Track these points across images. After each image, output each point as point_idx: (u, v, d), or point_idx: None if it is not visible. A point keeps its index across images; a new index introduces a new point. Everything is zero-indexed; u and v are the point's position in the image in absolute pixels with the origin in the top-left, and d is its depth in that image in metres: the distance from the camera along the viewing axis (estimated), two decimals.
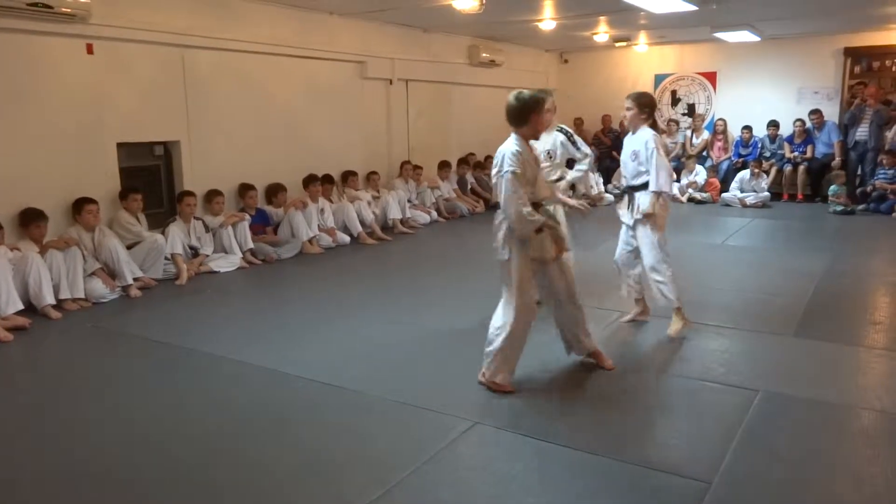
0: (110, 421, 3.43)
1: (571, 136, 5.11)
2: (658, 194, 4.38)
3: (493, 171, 3.58)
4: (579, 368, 4.03)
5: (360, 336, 4.62)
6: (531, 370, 4.01)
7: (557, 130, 5.08)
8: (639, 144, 4.45)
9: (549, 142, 5.03)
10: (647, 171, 4.41)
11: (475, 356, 3.79)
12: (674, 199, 10.93)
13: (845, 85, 10.92)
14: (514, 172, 3.44)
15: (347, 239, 7.78)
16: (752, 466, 2.89)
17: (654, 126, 4.47)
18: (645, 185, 4.44)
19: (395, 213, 8.45)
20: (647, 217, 4.42)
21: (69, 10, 5.47)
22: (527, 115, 3.55)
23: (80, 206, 5.68)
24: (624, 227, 4.69)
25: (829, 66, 11.00)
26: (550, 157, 5.08)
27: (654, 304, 4.72)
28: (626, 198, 4.63)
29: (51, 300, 5.06)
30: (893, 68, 10.75)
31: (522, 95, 3.56)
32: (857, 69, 10.93)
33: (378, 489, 2.73)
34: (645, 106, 4.42)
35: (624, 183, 4.69)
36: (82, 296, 5.33)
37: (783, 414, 3.40)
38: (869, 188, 9.80)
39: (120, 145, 6.27)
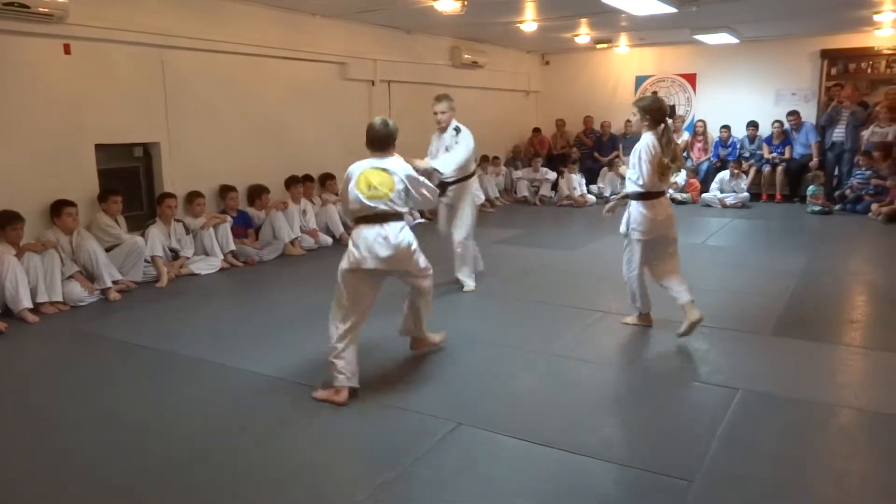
0: (89, 425, 3.39)
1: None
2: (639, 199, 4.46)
3: (398, 186, 3.62)
4: (561, 369, 4.04)
5: None
6: (514, 371, 4.02)
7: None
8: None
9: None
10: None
11: (461, 356, 3.80)
12: None
13: (822, 87, 11.06)
14: None
15: (330, 240, 7.74)
16: (734, 464, 2.92)
17: (664, 130, 4.46)
18: (634, 195, 4.51)
19: None
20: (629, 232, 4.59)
21: (46, 10, 5.39)
22: (393, 142, 3.70)
23: (58, 209, 5.60)
24: None
25: (807, 68, 11.14)
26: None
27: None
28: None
29: (28, 304, 4.99)
30: (869, 70, 10.91)
31: (390, 123, 3.69)
32: (833, 71, 11.08)
33: (361, 492, 2.72)
34: (646, 112, 4.45)
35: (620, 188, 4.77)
36: (60, 299, 5.26)
37: (763, 412, 3.44)
38: (846, 191, 9.94)
39: (98, 147, 6.19)
